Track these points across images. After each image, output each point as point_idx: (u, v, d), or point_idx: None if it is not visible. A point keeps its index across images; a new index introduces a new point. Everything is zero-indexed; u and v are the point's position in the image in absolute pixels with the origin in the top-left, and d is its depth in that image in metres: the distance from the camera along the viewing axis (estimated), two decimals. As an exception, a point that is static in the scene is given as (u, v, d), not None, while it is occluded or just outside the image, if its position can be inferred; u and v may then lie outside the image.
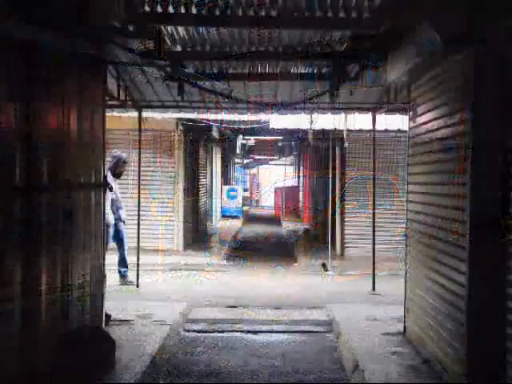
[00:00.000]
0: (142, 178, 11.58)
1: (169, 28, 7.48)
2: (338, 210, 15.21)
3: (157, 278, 12.46)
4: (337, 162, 15.23)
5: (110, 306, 8.04)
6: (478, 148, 5.15)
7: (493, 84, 5.08)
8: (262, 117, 14.16)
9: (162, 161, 15.54)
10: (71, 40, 5.58)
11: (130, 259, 12.26)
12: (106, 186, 7.41)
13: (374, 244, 11.34)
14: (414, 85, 7.38)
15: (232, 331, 8.27)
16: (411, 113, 7.54)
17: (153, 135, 14.88)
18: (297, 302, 10.20)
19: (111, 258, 9.85)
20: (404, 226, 7.89)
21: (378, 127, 11.73)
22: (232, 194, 26.84)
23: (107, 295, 7.54)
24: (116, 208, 11.12)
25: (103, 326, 7.25)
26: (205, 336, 8.06)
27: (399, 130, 13.18)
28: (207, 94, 9.78)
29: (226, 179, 30.86)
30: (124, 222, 11.45)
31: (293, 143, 25.98)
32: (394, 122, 12.94)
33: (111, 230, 10.95)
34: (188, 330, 8.28)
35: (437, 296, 6.18)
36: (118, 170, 11.11)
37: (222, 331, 8.26)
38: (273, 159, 36.61)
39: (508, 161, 4.95)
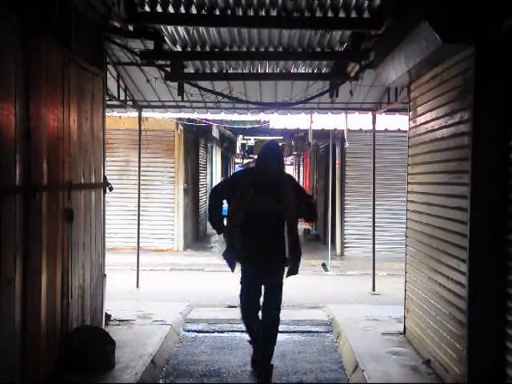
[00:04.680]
0: (141, 177, 11.59)
1: (169, 28, 7.47)
2: (338, 209, 15.21)
3: (157, 278, 12.48)
4: (337, 161, 15.24)
5: (110, 306, 8.04)
6: (477, 148, 5.15)
7: (493, 84, 5.08)
8: (262, 117, 14.18)
9: (162, 161, 15.56)
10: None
11: (130, 259, 12.29)
12: (106, 185, 7.39)
13: (374, 244, 11.35)
14: (413, 85, 7.37)
15: (232, 331, 8.26)
16: (411, 113, 7.53)
17: (153, 135, 14.89)
18: (297, 301, 10.20)
19: (111, 258, 9.84)
20: (404, 226, 7.89)
21: (378, 127, 11.74)
22: (232, 193, 26.78)
23: (107, 295, 7.54)
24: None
25: (103, 325, 7.25)
26: (205, 336, 8.06)
27: (399, 130, 13.21)
28: (207, 93, 9.78)
29: (225, 179, 30.81)
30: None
31: (293, 143, 25.99)
32: (393, 121, 12.99)
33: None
34: (188, 330, 8.28)
35: (437, 296, 6.18)
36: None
37: (222, 331, 8.26)
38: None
39: (508, 160, 4.95)
